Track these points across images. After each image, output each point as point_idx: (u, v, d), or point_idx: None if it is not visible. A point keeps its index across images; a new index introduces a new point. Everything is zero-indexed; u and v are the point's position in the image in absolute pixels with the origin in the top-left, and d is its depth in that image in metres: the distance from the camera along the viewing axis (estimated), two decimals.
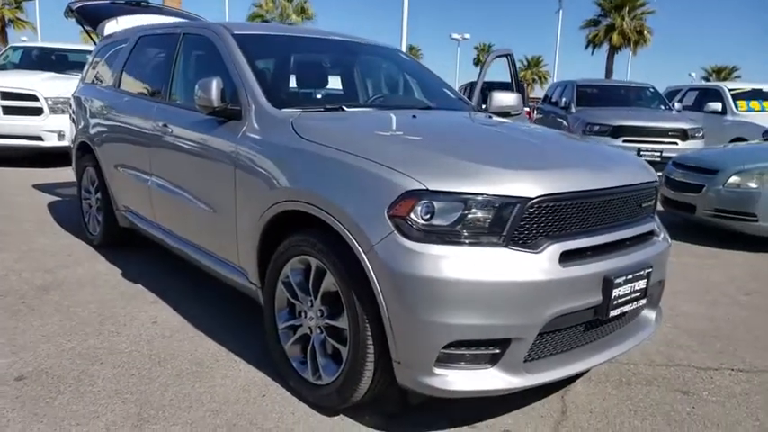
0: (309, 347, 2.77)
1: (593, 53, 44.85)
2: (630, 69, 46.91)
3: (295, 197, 2.74)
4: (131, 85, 4.70)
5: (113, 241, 5.01)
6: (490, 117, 3.82)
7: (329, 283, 2.62)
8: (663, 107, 11.71)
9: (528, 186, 2.34)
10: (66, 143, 8.49)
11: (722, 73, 58.25)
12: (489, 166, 2.42)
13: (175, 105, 3.99)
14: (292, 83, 3.93)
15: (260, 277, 3.07)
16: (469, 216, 2.30)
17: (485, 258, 2.27)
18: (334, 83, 4.16)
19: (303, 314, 2.81)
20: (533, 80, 62.90)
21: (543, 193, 2.35)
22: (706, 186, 6.36)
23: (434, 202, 2.31)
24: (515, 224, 2.31)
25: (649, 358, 3.38)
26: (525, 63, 63.66)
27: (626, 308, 2.60)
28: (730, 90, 12.23)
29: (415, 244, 2.28)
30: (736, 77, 54.63)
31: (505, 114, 4.13)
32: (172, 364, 3.10)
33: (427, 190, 2.31)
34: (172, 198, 3.83)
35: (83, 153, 5.27)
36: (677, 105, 11.80)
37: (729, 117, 11.69)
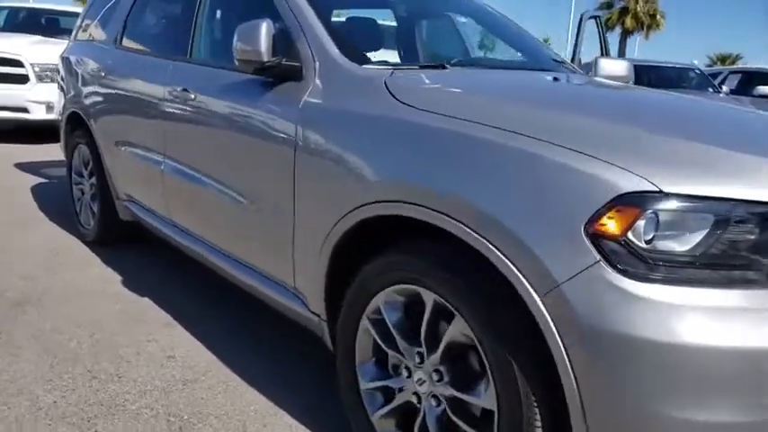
0: (418, 425, 1.82)
1: None
2: (638, 54, 46.11)
3: (402, 196, 1.77)
4: (138, 39, 3.69)
5: (112, 237, 4.01)
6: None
7: (458, 331, 1.67)
8: (711, 90, 10.74)
9: None
10: (54, 116, 7.40)
11: (726, 61, 57.35)
12: (751, 154, 1.47)
13: (200, 63, 2.99)
14: (373, 31, 2.92)
15: (327, 306, 2.13)
16: (733, 237, 1.35)
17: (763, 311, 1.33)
18: (410, 34, 3.13)
19: (405, 372, 1.86)
20: None
21: None
22: None
23: (670, 214, 1.36)
24: None
25: None
26: None
27: None
28: None
29: (638, 285, 1.33)
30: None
31: None
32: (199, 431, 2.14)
33: (660, 192, 1.36)
34: (194, 187, 2.85)
35: (74, 127, 4.24)
36: (724, 88, 10.86)
37: None
